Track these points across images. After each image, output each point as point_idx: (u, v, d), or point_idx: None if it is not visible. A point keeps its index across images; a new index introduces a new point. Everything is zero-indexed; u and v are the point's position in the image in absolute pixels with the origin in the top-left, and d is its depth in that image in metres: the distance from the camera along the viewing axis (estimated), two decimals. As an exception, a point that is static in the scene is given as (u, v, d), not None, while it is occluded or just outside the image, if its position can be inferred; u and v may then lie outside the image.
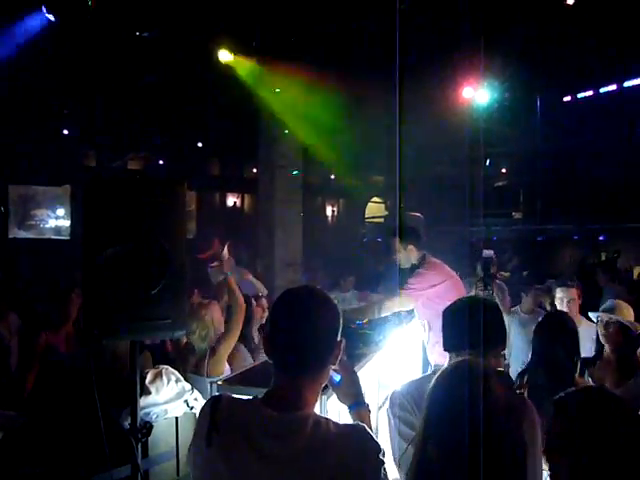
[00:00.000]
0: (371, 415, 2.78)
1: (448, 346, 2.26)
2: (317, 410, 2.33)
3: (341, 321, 1.63)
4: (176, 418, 3.05)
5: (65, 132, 13.12)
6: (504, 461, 1.45)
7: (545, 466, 2.31)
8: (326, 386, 1.80)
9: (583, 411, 1.56)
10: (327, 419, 1.56)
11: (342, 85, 9.31)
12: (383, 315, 4.12)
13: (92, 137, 14.08)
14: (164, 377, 3.04)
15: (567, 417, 1.58)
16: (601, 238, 11.89)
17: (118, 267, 2.31)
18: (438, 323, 4.22)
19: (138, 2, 6.79)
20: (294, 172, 8.44)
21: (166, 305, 2.44)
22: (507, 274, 8.81)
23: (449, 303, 4.18)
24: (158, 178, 2.52)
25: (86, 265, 2.42)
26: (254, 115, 9.24)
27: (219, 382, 2.75)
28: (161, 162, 16.53)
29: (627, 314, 3.71)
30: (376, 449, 1.49)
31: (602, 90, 12.87)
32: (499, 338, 2.24)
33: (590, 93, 13.10)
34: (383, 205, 16.21)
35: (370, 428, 1.70)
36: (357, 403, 1.77)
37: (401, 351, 3.94)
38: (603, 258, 11.87)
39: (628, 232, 11.27)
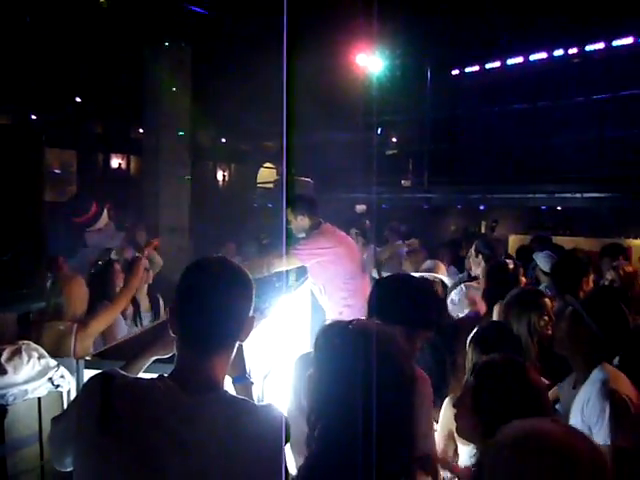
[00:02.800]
0: (257, 385, 2.68)
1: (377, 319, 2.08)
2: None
3: (254, 296, 1.54)
4: (39, 399, 2.76)
5: None
6: (389, 431, 1.38)
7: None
8: None
9: (494, 376, 1.78)
10: (243, 399, 1.48)
11: (234, 50, 8.97)
12: (272, 272, 4.06)
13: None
14: (24, 354, 2.72)
15: (483, 379, 1.79)
16: (482, 208, 12.48)
17: (-41, 230, 2.00)
18: (331, 287, 4.26)
19: None
20: (180, 133, 8.03)
21: (21, 273, 2.16)
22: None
23: (342, 268, 4.24)
24: (7, 131, 2.18)
25: None
26: (139, 70, 8.67)
27: (87, 357, 2.51)
28: (34, 117, 15.15)
29: (444, 272, 4.22)
30: (287, 426, 1.44)
31: (487, 66, 13.43)
32: (426, 321, 2.11)
33: (476, 68, 13.62)
34: (275, 170, 16.06)
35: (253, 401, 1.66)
36: (242, 377, 1.69)
37: (289, 318, 3.86)
38: (483, 227, 12.52)
39: (506, 202, 11.91)
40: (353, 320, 1.58)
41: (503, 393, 1.73)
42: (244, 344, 1.72)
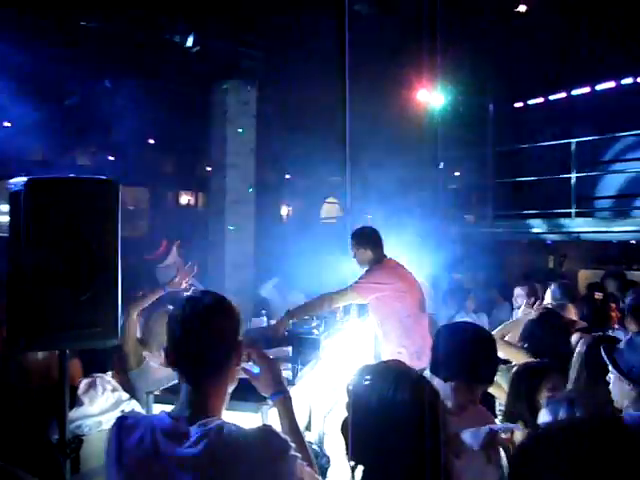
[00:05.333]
0: (318, 422, 2.72)
1: (434, 369, 2.13)
2: (259, 421, 2.26)
3: (240, 321, 1.67)
4: (111, 430, 2.90)
5: (7, 124, 12.56)
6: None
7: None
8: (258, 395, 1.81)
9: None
10: (234, 425, 1.54)
11: (297, 89, 9.24)
12: (332, 308, 4.09)
13: (39, 130, 13.55)
14: (99, 387, 2.88)
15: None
16: (549, 242, 12.14)
17: (44, 272, 2.16)
18: (388, 324, 4.25)
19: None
20: (245, 171, 8.30)
21: (97, 312, 2.30)
22: (459, 275, 8.90)
23: (400, 306, 4.23)
24: (90, 178, 2.37)
25: (11, 269, 2.26)
26: (206, 112, 9.06)
27: (156, 392, 2.62)
28: (111, 158, 16.04)
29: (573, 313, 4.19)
30: (283, 448, 1.49)
31: (551, 97, 13.19)
32: (489, 375, 2.13)
33: (540, 100, 13.41)
34: (337, 206, 16.21)
35: (293, 416, 1.73)
36: (278, 392, 1.75)
37: (352, 354, 3.88)
38: (550, 261, 12.15)
39: (574, 235, 11.54)
40: (384, 362, 1.60)
41: None
42: (278, 361, 1.84)
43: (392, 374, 1.49)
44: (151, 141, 14.83)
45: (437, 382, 2.00)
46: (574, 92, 12.67)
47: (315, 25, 7.26)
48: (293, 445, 1.51)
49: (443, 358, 2.06)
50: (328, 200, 17.57)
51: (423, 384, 1.47)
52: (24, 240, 2.21)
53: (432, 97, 10.64)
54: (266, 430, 1.54)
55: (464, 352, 2.05)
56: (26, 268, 2.20)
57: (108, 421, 2.88)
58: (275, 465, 1.46)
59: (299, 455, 1.51)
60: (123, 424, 1.58)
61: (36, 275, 2.18)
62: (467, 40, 8.79)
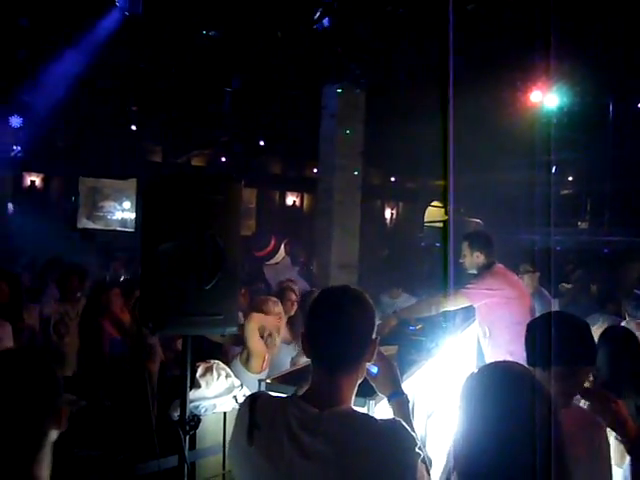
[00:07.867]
0: (420, 424, 2.73)
1: (532, 360, 2.14)
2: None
3: (376, 320, 1.69)
4: (224, 413, 3.09)
5: (133, 128, 13.55)
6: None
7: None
8: (370, 389, 1.84)
9: None
10: (365, 414, 1.62)
11: (406, 87, 9.24)
12: (439, 311, 4.06)
13: (159, 134, 14.53)
14: (214, 372, 3.08)
15: None
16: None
17: (173, 261, 2.35)
18: (496, 330, 4.17)
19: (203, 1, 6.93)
20: (354, 172, 8.41)
21: (219, 301, 2.46)
22: (569, 285, 8.51)
23: (509, 312, 4.14)
24: (216, 175, 2.55)
25: (144, 259, 2.48)
26: (315, 115, 9.28)
27: (268, 380, 2.75)
28: (223, 159, 16.83)
29: None
30: (413, 444, 1.51)
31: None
32: (588, 356, 2.14)
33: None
34: (443, 209, 15.97)
35: (409, 418, 1.76)
36: (395, 393, 1.80)
37: (455, 360, 3.85)
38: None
39: None
40: (493, 362, 1.60)
41: None
42: (396, 364, 1.86)
43: (513, 376, 1.49)
44: (261, 143, 15.37)
45: (538, 375, 1.97)
46: None
47: (425, 27, 7.23)
48: (419, 443, 1.54)
49: (540, 346, 2.06)
50: (433, 204, 17.37)
51: (541, 386, 1.47)
52: (156, 231, 2.42)
53: (546, 98, 10.24)
54: (397, 423, 1.56)
55: (560, 335, 2.03)
56: (157, 257, 2.39)
57: (222, 404, 3.07)
58: (403, 459, 1.48)
59: (421, 454, 1.53)
60: (256, 402, 1.63)
61: (166, 264, 2.37)
62: (586, 36, 8.37)
